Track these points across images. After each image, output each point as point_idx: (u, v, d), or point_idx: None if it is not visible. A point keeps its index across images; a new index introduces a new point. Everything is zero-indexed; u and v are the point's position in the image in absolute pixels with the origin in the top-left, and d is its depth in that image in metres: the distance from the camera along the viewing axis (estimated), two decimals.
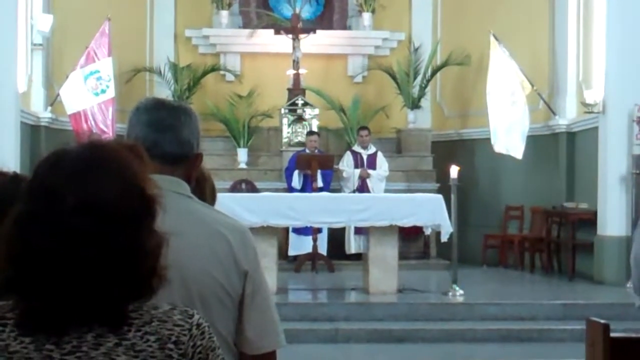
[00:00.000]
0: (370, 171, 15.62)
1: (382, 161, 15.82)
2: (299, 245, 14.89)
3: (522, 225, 15.87)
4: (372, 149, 15.91)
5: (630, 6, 13.07)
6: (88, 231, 1.95)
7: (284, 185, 15.70)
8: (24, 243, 1.96)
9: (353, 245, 15.31)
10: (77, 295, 1.95)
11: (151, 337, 2.00)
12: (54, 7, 15.07)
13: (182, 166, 2.94)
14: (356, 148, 15.97)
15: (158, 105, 3.01)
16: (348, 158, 15.83)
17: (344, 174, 15.66)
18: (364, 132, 15.91)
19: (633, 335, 5.85)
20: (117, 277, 1.96)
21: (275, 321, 2.94)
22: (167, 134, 2.92)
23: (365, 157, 15.77)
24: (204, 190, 3.61)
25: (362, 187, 15.47)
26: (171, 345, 2.01)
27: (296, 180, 15.26)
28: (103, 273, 1.95)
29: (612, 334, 5.71)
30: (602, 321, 5.80)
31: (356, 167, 15.67)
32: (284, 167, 15.93)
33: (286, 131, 16.58)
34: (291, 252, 14.99)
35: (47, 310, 1.96)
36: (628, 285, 11.68)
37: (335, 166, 15.60)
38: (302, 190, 14.86)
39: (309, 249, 14.60)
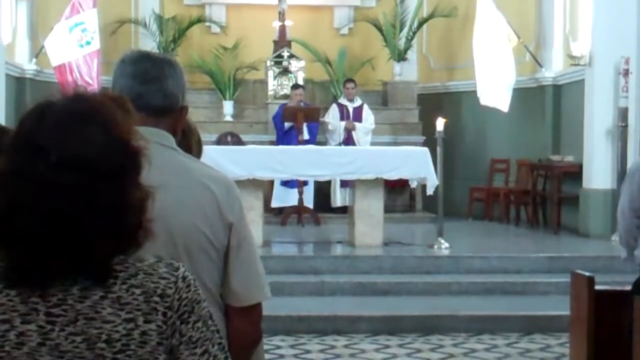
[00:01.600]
0: (356, 124, 15.59)
1: (368, 114, 15.79)
2: (284, 197, 14.88)
3: (508, 178, 15.91)
4: (358, 102, 15.87)
5: None
6: (72, 186, 1.94)
7: (270, 137, 15.66)
8: (8, 198, 1.94)
9: (339, 198, 15.32)
10: (61, 250, 1.95)
11: (136, 290, 2.00)
12: None
13: (167, 118, 2.93)
14: (342, 101, 15.93)
15: (143, 57, 3.01)
16: (334, 111, 15.78)
17: (330, 127, 15.62)
18: (350, 85, 15.86)
19: (617, 287, 5.89)
20: (103, 231, 1.96)
21: (260, 273, 2.95)
22: (151, 86, 2.91)
23: (351, 110, 15.73)
24: (190, 143, 3.61)
25: (348, 140, 15.43)
26: (157, 298, 2.01)
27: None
28: (88, 227, 1.94)
29: (597, 287, 5.75)
30: (587, 274, 5.84)
31: (342, 119, 15.63)
32: (269, 119, 15.88)
33: (272, 84, 16.51)
34: (274, 204, 14.93)
35: (31, 264, 1.95)
36: (613, 238, 11.76)
37: (321, 119, 15.56)
38: (288, 142, 14.81)
39: (295, 202, 14.60)
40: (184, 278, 2.06)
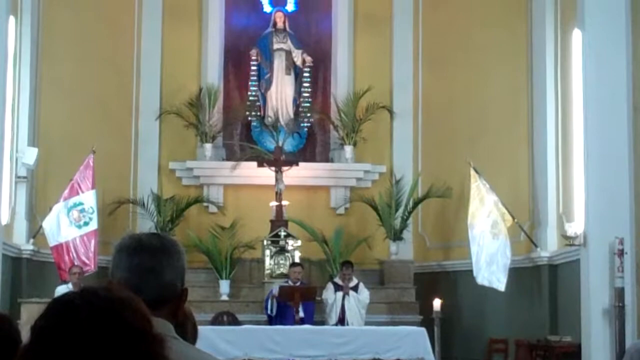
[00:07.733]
0: (351, 292, 15.38)
1: (362, 289, 15.66)
2: None
3: (507, 358, 15.74)
4: (354, 281, 15.80)
5: (607, 139, 13.24)
6: None
7: (266, 317, 15.55)
8: None
9: None
10: None
11: None
12: (39, 140, 15.17)
13: (166, 307, 2.93)
14: (338, 280, 15.86)
15: (138, 247, 3.01)
16: (330, 289, 15.68)
17: (327, 304, 15.39)
18: (347, 271, 15.57)
19: None
20: None
21: None
22: (148, 279, 2.93)
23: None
24: (186, 328, 3.60)
25: (344, 320, 15.24)
26: None
27: (269, 307, 15.04)
28: None
29: None
30: None
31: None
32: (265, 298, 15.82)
33: (268, 263, 16.54)
34: None
35: None
36: None
37: (318, 298, 15.49)
38: (284, 322, 14.70)
39: None
40: None
